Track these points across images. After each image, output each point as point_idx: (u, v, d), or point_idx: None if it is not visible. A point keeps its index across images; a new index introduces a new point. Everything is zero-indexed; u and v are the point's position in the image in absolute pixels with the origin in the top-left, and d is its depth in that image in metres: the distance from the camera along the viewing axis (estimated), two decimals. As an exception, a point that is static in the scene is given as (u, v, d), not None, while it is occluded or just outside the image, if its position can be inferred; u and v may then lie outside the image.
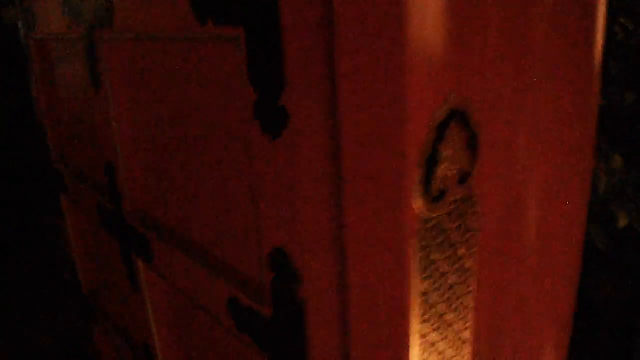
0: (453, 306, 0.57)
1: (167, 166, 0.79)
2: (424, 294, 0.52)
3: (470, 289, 0.57)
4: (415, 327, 0.53)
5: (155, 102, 0.77)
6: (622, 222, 0.98)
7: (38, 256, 1.60)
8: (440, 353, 0.58)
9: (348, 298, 0.52)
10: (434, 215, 0.50)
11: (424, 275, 0.52)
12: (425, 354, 0.56)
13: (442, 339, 0.57)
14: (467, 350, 0.60)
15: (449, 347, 0.59)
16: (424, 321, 0.54)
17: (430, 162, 0.48)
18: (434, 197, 0.50)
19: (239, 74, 0.55)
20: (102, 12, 0.79)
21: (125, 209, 0.92)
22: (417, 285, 0.51)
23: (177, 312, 0.93)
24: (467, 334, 0.59)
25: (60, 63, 1.10)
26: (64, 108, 1.15)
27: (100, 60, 0.85)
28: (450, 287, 0.56)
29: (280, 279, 0.55)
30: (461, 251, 0.55)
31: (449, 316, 0.57)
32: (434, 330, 0.56)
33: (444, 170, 0.50)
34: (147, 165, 0.86)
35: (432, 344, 0.56)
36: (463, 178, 0.52)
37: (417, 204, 0.48)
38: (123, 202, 0.92)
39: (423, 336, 0.54)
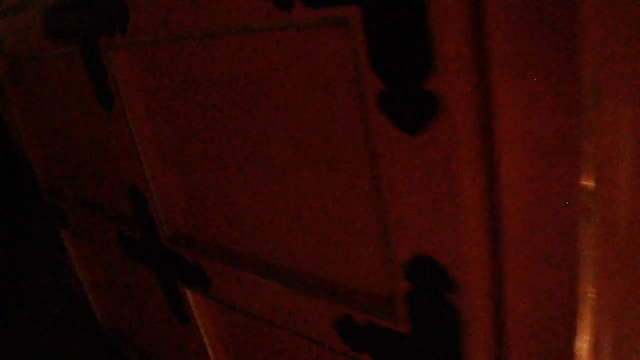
0: (596, 285, 0.52)
1: (221, 180, 0.69)
2: (585, 278, 0.47)
3: (605, 261, 0.53)
4: (582, 319, 0.48)
5: (197, 109, 0.66)
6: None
7: (34, 296, 1.45)
8: (586, 341, 0.54)
9: (507, 302, 0.46)
10: (590, 189, 0.45)
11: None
12: (581, 344, 0.52)
13: (589, 323, 0.53)
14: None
15: (592, 332, 0.55)
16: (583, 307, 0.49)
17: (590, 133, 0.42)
18: (592, 172, 0.44)
19: (344, 62, 0.46)
20: (109, 17, 0.68)
21: (163, 236, 0.81)
22: (582, 267, 0.46)
23: (240, 337, 0.85)
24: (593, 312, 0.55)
25: (43, 85, 0.96)
26: (55, 134, 1.01)
27: (111, 73, 0.73)
28: (595, 263, 0.51)
29: (426, 290, 0.48)
30: (597, 219, 0.50)
31: (594, 296, 0.52)
32: (588, 315, 0.51)
33: (599, 140, 0.44)
34: (188, 184, 0.76)
35: (585, 332, 0.52)
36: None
37: (581, 179, 0.43)
38: (159, 229, 0.81)
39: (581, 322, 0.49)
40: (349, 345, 0.60)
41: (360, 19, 0.41)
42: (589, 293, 0.46)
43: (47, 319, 1.43)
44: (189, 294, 0.84)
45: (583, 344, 0.48)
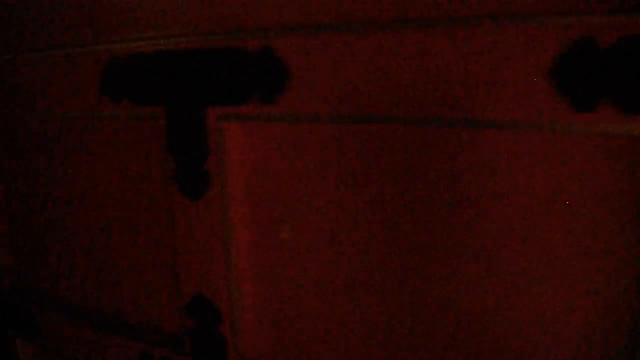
0: None
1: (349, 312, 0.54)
2: None
3: None
4: None
5: (343, 210, 0.53)
6: None
7: None
8: None
9: None
10: None
11: None
12: None
13: None
14: None
15: None
16: None
17: None
18: None
19: None
20: (245, 80, 0.54)
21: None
22: None
23: None
24: None
25: (67, 152, 0.74)
26: (41, 210, 0.77)
27: (218, 152, 0.57)
28: None
29: None
30: None
31: None
32: None
33: None
34: (282, 305, 0.59)
35: None
36: None
37: None
38: (229, 352, 0.62)
39: None
40: None
41: None
42: None
43: None
44: None
45: None
